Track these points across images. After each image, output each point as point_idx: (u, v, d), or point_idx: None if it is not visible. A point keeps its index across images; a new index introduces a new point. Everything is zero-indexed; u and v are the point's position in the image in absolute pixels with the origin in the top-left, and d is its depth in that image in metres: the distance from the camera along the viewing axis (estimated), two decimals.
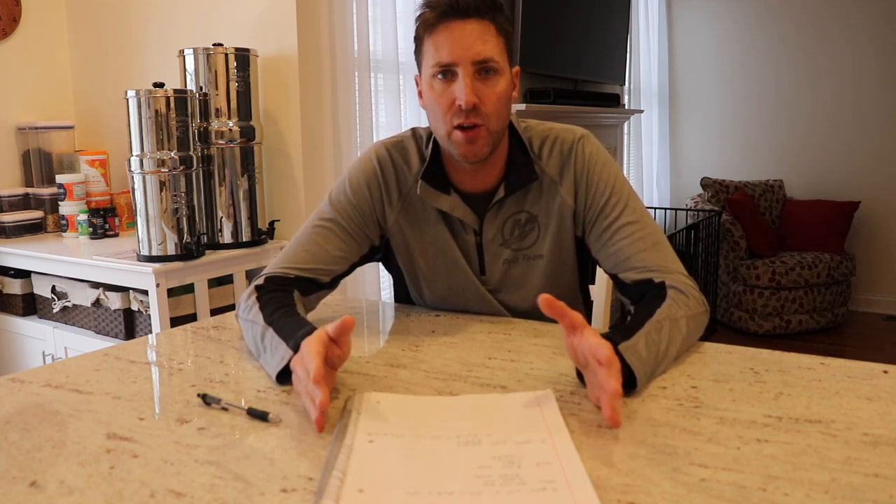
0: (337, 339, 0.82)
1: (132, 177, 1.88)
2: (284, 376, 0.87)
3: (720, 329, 4.01)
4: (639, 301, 1.03)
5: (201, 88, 2.05)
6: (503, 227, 1.16)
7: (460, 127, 1.05)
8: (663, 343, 0.90)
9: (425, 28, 1.07)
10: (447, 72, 1.05)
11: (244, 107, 2.07)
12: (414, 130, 1.21)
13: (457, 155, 1.08)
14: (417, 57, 1.12)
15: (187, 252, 1.90)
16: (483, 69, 1.04)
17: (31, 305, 2.25)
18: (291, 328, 0.92)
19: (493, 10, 1.06)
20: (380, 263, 1.28)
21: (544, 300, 0.79)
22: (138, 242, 1.89)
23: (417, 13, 1.08)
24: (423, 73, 1.10)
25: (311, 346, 0.79)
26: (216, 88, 2.04)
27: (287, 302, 1.03)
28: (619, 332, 0.86)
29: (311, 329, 0.86)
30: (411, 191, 1.16)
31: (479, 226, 1.16)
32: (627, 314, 1.06)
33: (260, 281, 1.09)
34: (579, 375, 0.86)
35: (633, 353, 0.83)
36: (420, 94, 1.12)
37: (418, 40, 1.10)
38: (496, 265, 1.17)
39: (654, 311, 0.93)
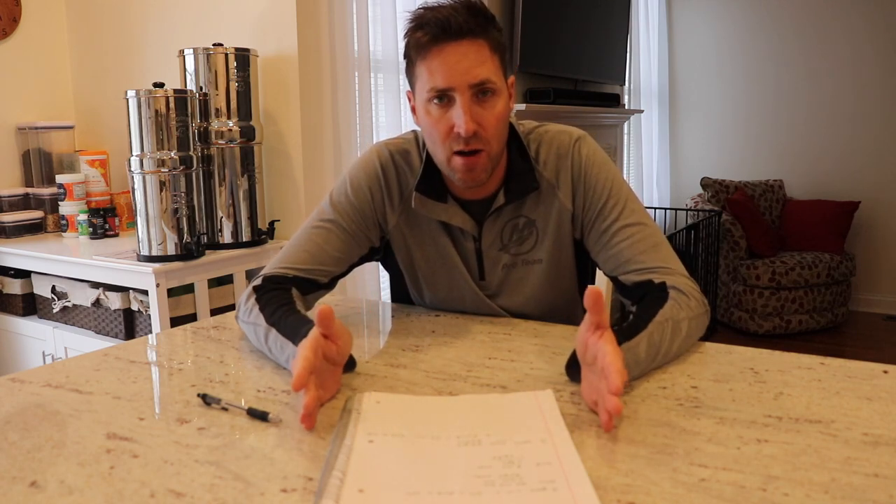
0: (328, 333, 0.81)
1: (132, 177, 1.88)
2: None
3: (720, 329, 4.01)
4: (640, 301, 1.03)
5: (201, 88, 2.05)
6: (501, 232, 1.15)
7: (460, 153, 1.03)
8: (664, 344, 0.90)
9: (417, 51, 1.02)
10: (444, 96, 1.02)
11: (244, 107, 2.07)
12: (416, 133, 1.19)
13: (457, 180, 1.07)
14: (410, 77, 1.08)
15: (187, 252, 1.90)
16: (481, 91, 1.01)
17: (31, 305, 2.25)
18: (294, 326, 0.92)
19: (485, 27, 1.02)
20: (379, 263, 1.28)
21: (593, 293, 0.75)
22: (138, 242, 1.89)
23: (407, 29, 1.03)
24: (416, 95, 1.07)
25: (300, 352, 0.78)
26: (216, 88, 2.04)
27: (286, 300, 1.03)
28: (622, 331, 0.86)
29: (311, 326, 0.86)
30: (412, 194, 1.16)
31: (479, 232, 1.15)
32: (628, 314, 1.05)
33: (258, 282, 1.09)
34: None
35: (632, 356, 0.84)
36: (413, 109, 1.10)
37: (410, 61, 1.05)
38: (495, 270, 1.17)
39: (656, 313, 0.93)
